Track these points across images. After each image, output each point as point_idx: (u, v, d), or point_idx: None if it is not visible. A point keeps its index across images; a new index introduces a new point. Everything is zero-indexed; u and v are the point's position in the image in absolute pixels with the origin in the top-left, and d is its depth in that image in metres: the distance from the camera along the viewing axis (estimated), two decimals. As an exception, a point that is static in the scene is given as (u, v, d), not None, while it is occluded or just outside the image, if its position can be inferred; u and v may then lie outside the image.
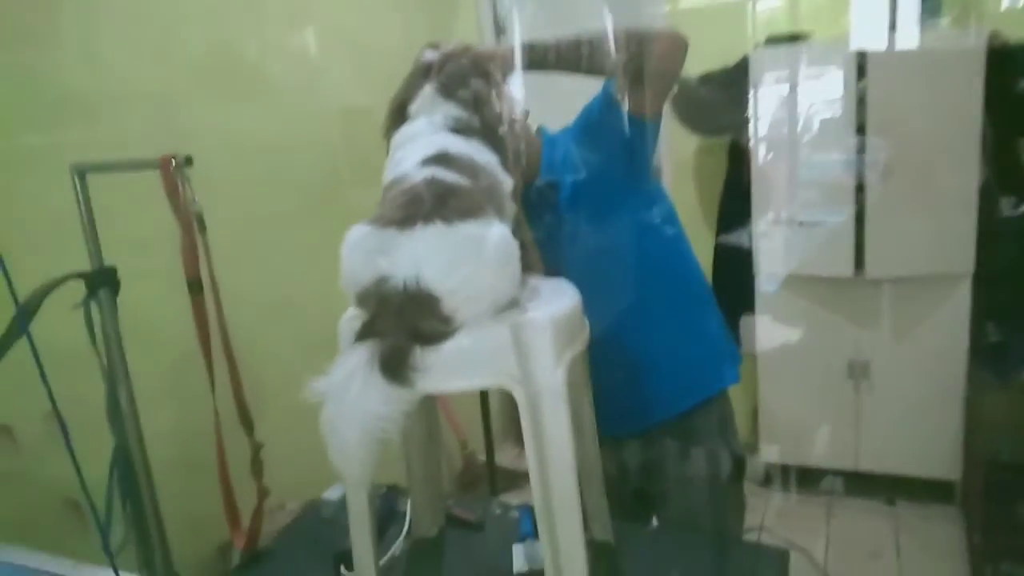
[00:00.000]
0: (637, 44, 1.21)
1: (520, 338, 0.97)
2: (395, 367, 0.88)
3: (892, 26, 2.39)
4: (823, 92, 2.49)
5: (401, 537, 1.41)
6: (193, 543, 1.58)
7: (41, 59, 1.46)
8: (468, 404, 2.72)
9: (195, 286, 1.24)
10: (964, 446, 2.60)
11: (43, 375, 0.95)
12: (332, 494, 1.62)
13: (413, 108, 1.13)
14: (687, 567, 1.25)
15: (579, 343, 1.09)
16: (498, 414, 2.90)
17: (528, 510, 1.43)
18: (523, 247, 1.01)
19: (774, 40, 2.60)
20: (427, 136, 1.09)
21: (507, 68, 1.21)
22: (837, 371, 2.71)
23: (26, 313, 1.03)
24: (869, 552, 2.52)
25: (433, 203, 0.94)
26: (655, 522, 1.55)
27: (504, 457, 3.03)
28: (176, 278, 1.27)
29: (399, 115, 1.14)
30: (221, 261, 1.33)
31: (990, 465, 2.36)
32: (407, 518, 1.43)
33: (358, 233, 0.97)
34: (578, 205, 1.39)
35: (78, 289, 1.21)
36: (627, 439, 1.52)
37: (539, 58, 1.23)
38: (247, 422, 1.33)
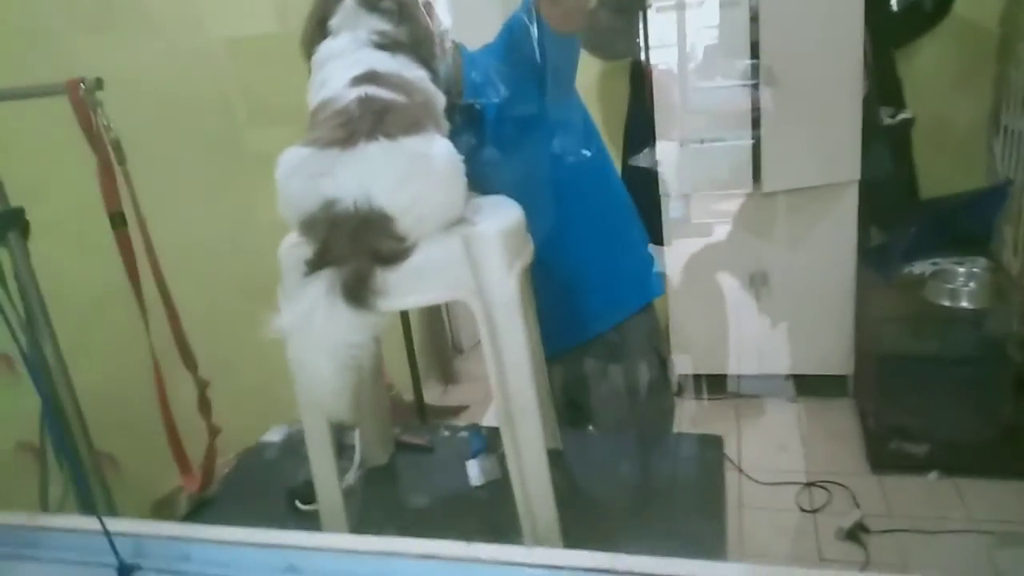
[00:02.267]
0: None
1: (472, 250, 0.98)
2: (358, 292, 0.87)
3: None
4: (719, 10, 2.55)
5: (354, 468, 1.40)
6: (140, 494, 1.52)
7: None
8: (389, 344, 2.71)
9: (117, 219, 1.15)
10: (855, 342, 2.83)
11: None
12: (272, 436, 1.60)
13: (334, 23, 1.07)
14: (632, 463, 1.32)
15: (526, 255, 1.11)
16: (420, 353, 2.90)
17: (476, 431, 1.45)
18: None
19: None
20: (352, 53, 1.05)
21: None
22: (739, 282, 2.87)
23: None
24: (777, 445, 2.73)
25: (372, 120, 0.91)
26: (591, 429, 1.63)
27: (430, 395, 3.06)
28: (91, 214, 1.17)
29: (319, 31, 1.09)
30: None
31: (878, 356, 2.59)
32: (357, 450, 1.43)
33: (295, 156, 0.93)
34: (502, 125, 1.38)
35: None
36: (562, 355, 1.56)
37: None
38: (190, 360, 1.27)
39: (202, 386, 1.28)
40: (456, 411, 3.19)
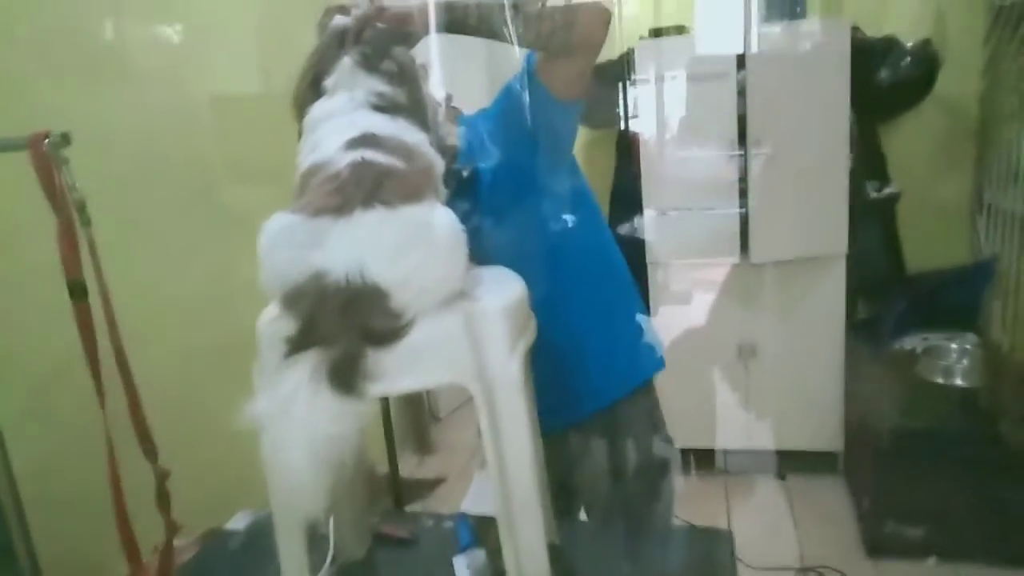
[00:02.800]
0: (562, 12, 1.15)
1: (473, 328, 0.89)
2: (346, 377, 0.77)
3: (763, 20, 2.50)
4: (706, 83, 2.56)
5: (327, 564, 1.27)
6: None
7: None
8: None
9: (77, 289, 1.03)
10: (844, 417, 2.76)
11: None
12: (237, 523, 1.46)
13: (329, 82, 1.01)
14: (636, 560, 1.21)
15: (529, 333, 1.02)
16: (395, 421, 2.77)
17: (464, 519, 1.33)
18: None
19: (657, 32, 2.65)
20: (346, 115, 0.97)
21: (423, 30, 1.10)
22: (727, 353, 2.80)
23: None
24: (769, 526, 2.61)
25: (370, 187, 0.83)
26: (583, 516, 1.51)
27: (405, 467, 2.91)
28: (45, 280, 1.06)
29: (312, 90, 1.02)
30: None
31: (870, 433, 2.52)
32: (330, 542, 1.30)
33: (281, 223, 0.84)
34: (498, 192, 1.31)
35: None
36: (554, 434, 1.46)
37: (458, 19, 1.11)
38: (150, 448, 1.14)
39: (162, 477, 1.15)
40: (434, 485, 3.04)
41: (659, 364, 1.49)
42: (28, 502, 1.15)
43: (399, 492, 2.63)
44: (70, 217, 1.01)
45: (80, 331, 1.03)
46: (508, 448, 0.93)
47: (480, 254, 1.12)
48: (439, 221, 0.86)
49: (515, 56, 1.28)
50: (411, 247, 0.82)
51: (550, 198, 1.34)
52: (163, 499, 1.17)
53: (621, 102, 2.81)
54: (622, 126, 2.87)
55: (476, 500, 2.38)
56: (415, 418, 3.38)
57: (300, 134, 1.03)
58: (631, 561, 1.21)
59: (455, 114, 1.38)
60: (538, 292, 1.10)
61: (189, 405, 1.60)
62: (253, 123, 2.05)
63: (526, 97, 1.26)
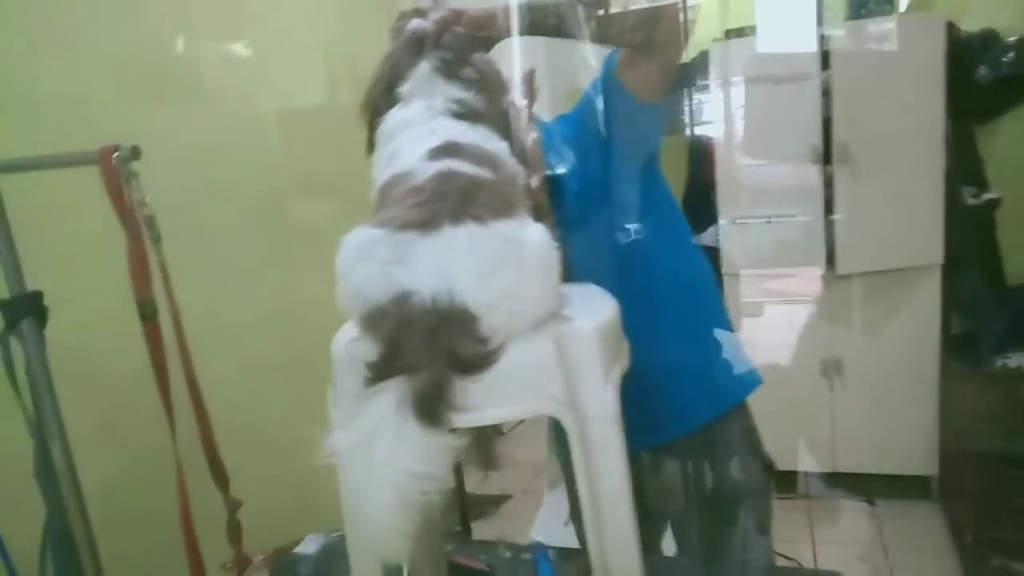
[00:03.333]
0: (644, 9, 1.07)
1: (565, 353, 0.81)
2: (433, 408, 0.70)
3: (854, 15, 2.36)
4: (786, 85, 2.43)
5: (401, 596, 1.21)
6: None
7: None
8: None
9: (147, 309, 1.00)
10: (940, 439, 2.57)
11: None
12: (307, 548, 1.41)
13: (405, 89, 0.94)
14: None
15: (624, 358, 0.94)
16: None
17: (543, 552, 1.25)
18: None
19: (733, 33, 2.53)
20: (426, 123, 0.91)
21: (503, 33, 1.04)
22: (811, 370, 2.65)
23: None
24: (857, 555, 2.45)
25: (459, 200, 0.77)
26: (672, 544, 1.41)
27: (469, 483, 2.85)
28: (112, 300, 1.03)
29: (386, 98, 0.96)
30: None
31: (971, 457, 2.34)
32: (404, 573, 1.23)
33: (364, 238, 0.78)
34: (583, 204, 1.23)
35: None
36: (640, 456, 1.36)
37: (539, 20, 1.04)
38: (221, 476, 1.10)
39: (232, 508, 1.10)
40: (499, 501, 2.97)
41: (757, 380, 1.38)
42: (96, 523, 1.12)
43: (465, 509, 2.57)
44: (140, 233, 0.97)
45: (150, 352, 0.99)
46: (604, 484, 0.85)
47: (565, 270, 1.05)
48: (532, 238, 0.79)
49: (591, 58, 1.21)
50: (503, 267, 0.75)
51: (636, 208, 1.26)
52: (234, 531, 1.13)
53: (694, 107, 2.70)
54: (696, 132, 2.77)
55: (545, 522, 2.30)
56: (479, 432, 3.31)
57: (369, 143, 0.97)
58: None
59: (534, 119, 1.31)
60: (629, 310, 1.02)
61: (254, 424, 1.57)
62: (321, 137, 2.02)
63: (610, 100, 1.18)
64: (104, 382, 1.31)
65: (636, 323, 1.10)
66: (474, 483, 3.14)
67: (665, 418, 1.29)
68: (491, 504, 2.97)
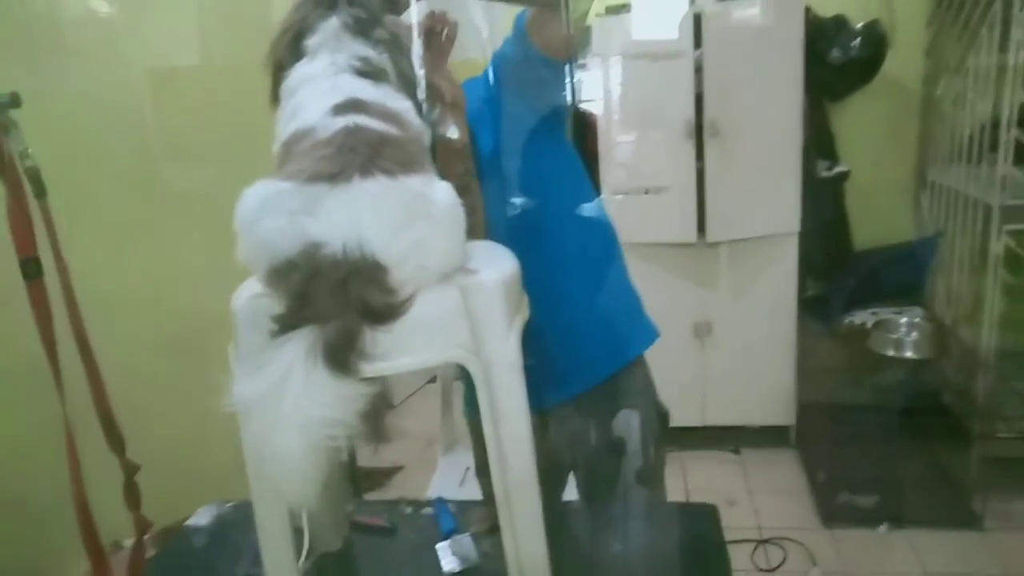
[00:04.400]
0: None
1: (471, 303, 0.85)
2: (343, 356, 0.72)
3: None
4: (663, 62, 2.54)
5: (303, 556, 1.21)
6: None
7: None
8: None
9: (31, 267, 0.94)
10: (797, 392, 2.82)
11: None
12: (199, 520, 1.38)
13: (312, 43, 0.93)
14: (630, 538, 1.19)
15: (524, 310, 0.98)
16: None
17: (444, 505, 1.29)
18: (473, 211, 0.88)
19: (613, 9, 2.62)
20: (328, 79, 0.91)
21: None
22: (684, 332, 2.82)
23: None
24: (726, 500, 2.65)
25: (367, 154, 0.78)
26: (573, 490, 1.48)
27: (360, 456, 2.84)
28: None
29: (292, 50, 0.94)
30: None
31: (822, 407, 2.58)
32: (305, 534, 1.23)
33: (267, 190, 0.78)
34: (496, 162, 1.26)
35: None
36: (548, 411, 1.42)
37: None
38: (116, 439, 1.05)
39: (130, 472, 1.06)
40: (390, 473, 2.98)
41: (655, 333, 1.46)
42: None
43: (355, 481, 2.56)
44: (20, 186, 0.91)
45: (34, 311, 0.93)
46: (507, 427, 0.90)
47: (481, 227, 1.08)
48: (441, 195, 0.81)
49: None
50: (413, 220, 0.77)
51: (548, 166, 1.30)
52: (132, 494, 1.09)
53: (575, 83, 2.77)
54: (577, 106, 2.84)
55: (440, 487, 2.33)
56: (371, 405, 3.29)
57: (273, 96, 0.95)
58: (625, 540, 1.19)
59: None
60: (538, 267, 1.06)
61: (136, 393, 1.51)
62: (192, 98, 1.93)
63: (522, 60, 1.21)
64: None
65: (545, 280, 1.15)
66: (365, 456, 3.13)
67: (573, 372, 1.34)
68: (383, 476, 2.97)
